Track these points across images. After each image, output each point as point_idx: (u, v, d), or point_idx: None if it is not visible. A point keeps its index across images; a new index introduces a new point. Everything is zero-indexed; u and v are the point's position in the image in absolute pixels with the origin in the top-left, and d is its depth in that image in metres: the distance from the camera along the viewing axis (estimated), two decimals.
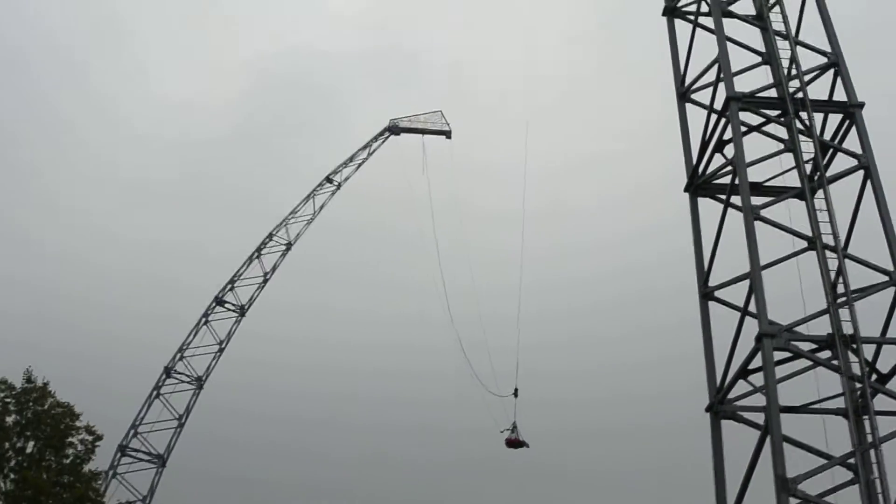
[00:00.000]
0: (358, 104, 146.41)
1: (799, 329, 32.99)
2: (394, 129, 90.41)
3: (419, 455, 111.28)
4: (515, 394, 71.43)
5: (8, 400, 48.90)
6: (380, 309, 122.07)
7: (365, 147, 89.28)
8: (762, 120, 36.83)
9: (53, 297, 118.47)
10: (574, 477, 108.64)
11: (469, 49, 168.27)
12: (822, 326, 33.65)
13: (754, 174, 35.77)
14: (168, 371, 77.20)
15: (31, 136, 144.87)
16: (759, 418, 33.86)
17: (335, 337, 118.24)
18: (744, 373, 34.07)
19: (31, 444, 48.29)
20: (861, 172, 35.37)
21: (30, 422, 48.44)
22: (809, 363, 33.36)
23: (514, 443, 70.11)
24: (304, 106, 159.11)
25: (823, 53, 37.28)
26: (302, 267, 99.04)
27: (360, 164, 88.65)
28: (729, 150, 36.68)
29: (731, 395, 35.03)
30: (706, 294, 36.95)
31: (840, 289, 33.31)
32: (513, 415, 70.97)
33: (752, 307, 33.84)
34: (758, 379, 33.84)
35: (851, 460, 31.94)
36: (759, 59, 39.71)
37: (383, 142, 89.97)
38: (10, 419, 48.45)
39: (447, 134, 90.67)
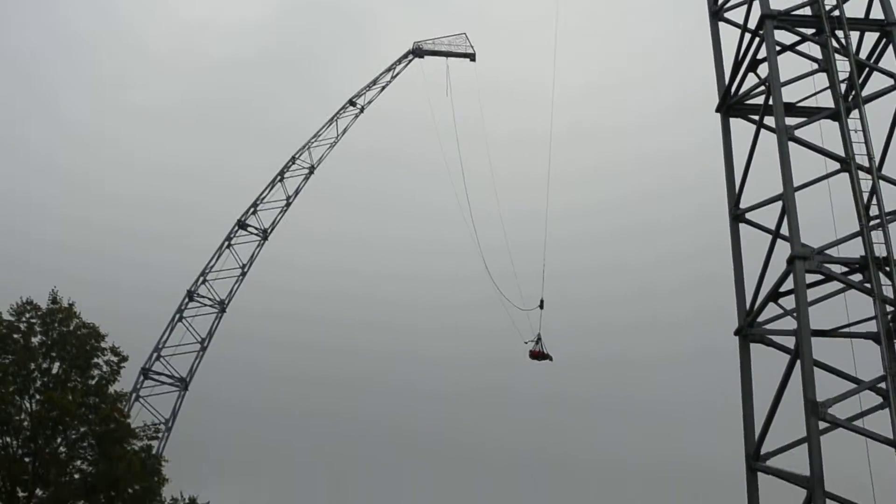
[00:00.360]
0: (385, 29, 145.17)
1: (831, 252, 32.44)
2: (417, 52, 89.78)
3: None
4: (541, 305, 70.68)
5: (34, 321, 48.77)
6: (405, 236, 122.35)
7: (388, 70, 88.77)
8: (796, 39, 36.07)
9: (77, 223, 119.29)
10: (598, 405, 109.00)
11: None
12: (854, 250, 33.19)
13: (787, 94, 35.09)
14: (191, 294, 77.47)
15: (54, 61, 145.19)
16: (788, 342, 33.67)
17: (359, 265, 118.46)
18: (774, 296, 33.68)
19: (56, 364, 48.15)
20: None
21: (55, 342, 48.28)
22: (841, 286, 33.00)
23: (538, 355, 69.72)
24: (329, 30, 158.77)
25: None
26: (325, 193, 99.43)
27: (383, 87, 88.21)
28: (762, 70, 36.02)
29: (760, 319, 34.66)
30: (737, 216, 36.51)
31: (873, 211, 32.68)
32: (538, 327, 70.51)
33: (783, 230, 33.45)
34: (788, 302, 33.47)
35: (882, 384, 31.63)
36: None
37: (407, 64, 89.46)
38: (35, 340, 48.33)
39: (471, 57, 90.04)
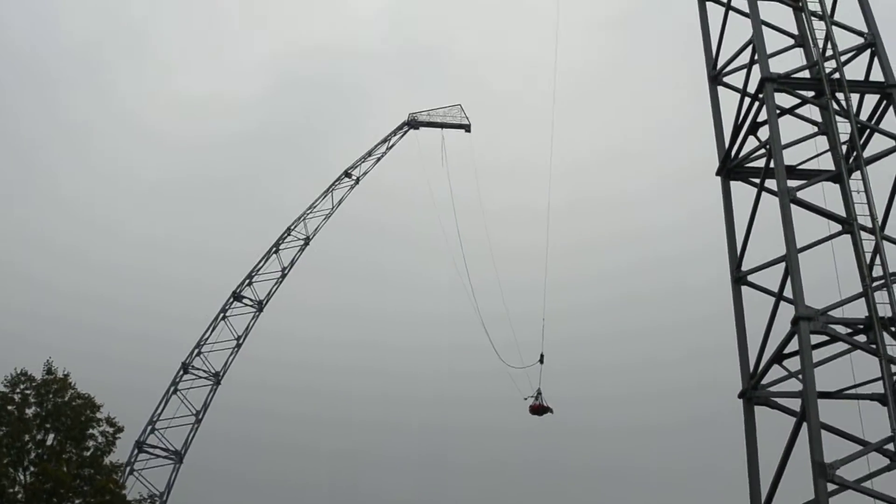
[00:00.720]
0: (382, 103, 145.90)
1: (834, 313, 32.28)
2: (413, 123, 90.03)
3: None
4: (541, 360, 70.18)
5: (28, 391, 48.43)
6: (402, 308, 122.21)
7: (384, 141, 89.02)
8: (796, 102, 36.14)
9: (73, 297, 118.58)
10: (605, 475, 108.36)
11: (489, 47, 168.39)
12: (857, 311, 33.06)
13: (788, 157, 35.12)
14: (185, 367, 77.26)
15: (50, 141, 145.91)
16: (793, 404, 33.41)
17: (356, 336, 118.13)
18: (778, 358, 33.49)
19: (51, 436, 47.85)
20: None
21: (50, 413, 47.99)
22: (845, 347, 32.88)
23: (539, 409, 68.99)
24: (326, 105, 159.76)
25: (860, 34, 36.59)
26: (322, 265, 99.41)
27: (378, 159, 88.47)
28: (763, 133, 36.15)
29: (764, 382, 34.45)
30: (739, 279, 36.38)
31: (877, 271, 32.60)
32: (538, 383, 70.03)
33: (786, 292, 33.29)
34: (792, 364, 33.29)
35: (889, 446, 31.39)
36: (792, 41, 39.36)
37: (402, 136, 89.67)
38: (30, 411, 48.01)
39: (467, 128, 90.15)
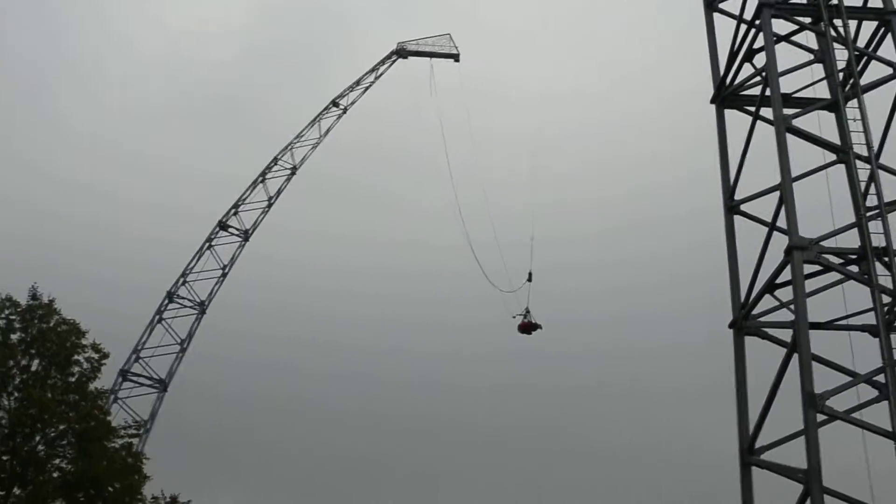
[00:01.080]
0: (371, 32, 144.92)
1: (827, 243, 31.92)
2: (401, 52, 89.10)
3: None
4: (529, 278, 70.06)
5: (13, 317, 47.82)
6: (393, 232, 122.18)
7: (372, 70, 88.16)
8: (792, 29, 35.70)
9: (59, 219, 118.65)
10: (590, 395, 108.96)
11: None
12: (850, 241, 32.77)
13: (783, 85, 34.49)
14: (170, 295, 77.03)
15: (51, 68, 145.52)
16: (783, 335, 33.17)
17: (347, 261, 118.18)
18: (770, 288, 33.16)
19: (35, 361, 47.19)
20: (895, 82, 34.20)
21: (35, 339, 47.27)
22: (838, 277, 32.57)
23: (527, 326, 69.04)
24: (317, 31, 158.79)
25: None
26: (313, 192, 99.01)
27: (367, 88, 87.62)
28: (759, 60, 35.62)
29: (755, 312, 34.17)
30: (732, 207, 35.95)
31: (871, 201, 32.22)
32: (526, 302, 69.86)
33: (779, 222, 32.98)
34: (784, 294, 32.99)
35: (878, 377, 31.18)
36: None
37: (391, 65, 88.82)
38: (14, 336, 47.35)
39: (456, 57, 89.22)
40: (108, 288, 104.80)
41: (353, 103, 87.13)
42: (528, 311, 69.41)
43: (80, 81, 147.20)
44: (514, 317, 69.49)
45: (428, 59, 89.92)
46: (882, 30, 34.92)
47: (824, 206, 33.98)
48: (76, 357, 47.57)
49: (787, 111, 33.44)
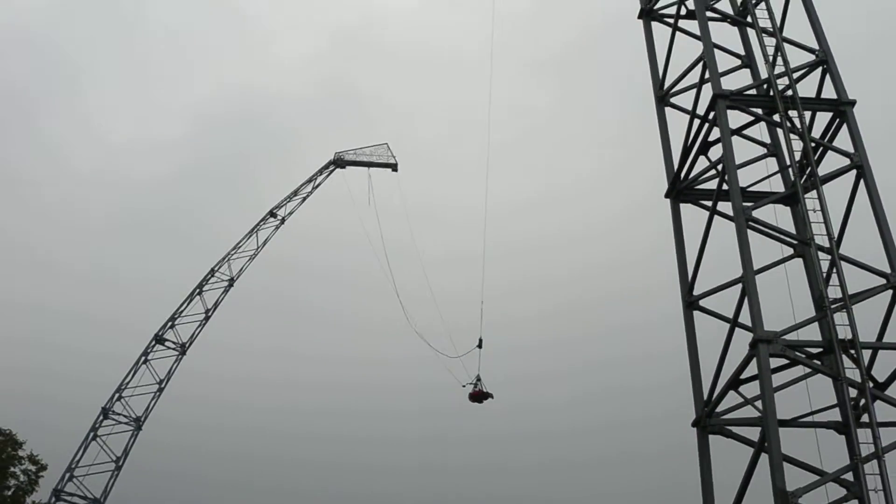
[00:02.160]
0: (307, 147, 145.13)
1: (789, 337, 31.12)
2: (339, 162, 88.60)
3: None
4: (479, 345, 67.71)
5: None
6: (338, 348, 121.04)
7: (310, 180, 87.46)
8: (745, 122, 35.34)
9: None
10: None
11: (419, 96, 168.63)
12: (810, 335, 32.09)
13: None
14: (105, 412, 74.93)
15: None
16: (748, 432, 32.23)
17: (285, 376, 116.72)
18: (734, 384, 32.20)
19: None
20: (853, 173, 33.80)
21: None
22: (803, 372, 31.76)
23: (479, 395, 66.62)
24: (255, 146, 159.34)
25: (811, 51, 35.83)
26: (254, 306, 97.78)
27: (304, 198, 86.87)
28: (714, 153, 35.23)
29: (718, 410, 33.19)
30: (691, 303, 35.18)
31: (834, 293, 31.56)
32: (476, 369, 67.61)
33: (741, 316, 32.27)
34: (748, 390, 32.11)
35: (847, 475, 30.29)
36: (738, 62, 38.69)
37: (328, 175, 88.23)
38: None
39: (394, 167, 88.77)
40: (45, 403, 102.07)
41: (290, 214, 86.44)
42: (478, 380, 67.13)
43: (12, 192, 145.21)
44: (464, 385, 67.20)
45: (366, 168, 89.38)
46: (837, 121, 34.59)
47: (780, 302, 33.36)
48: (12, 469, 45.68)
49: (745, 204, 32.81)
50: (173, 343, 79.10)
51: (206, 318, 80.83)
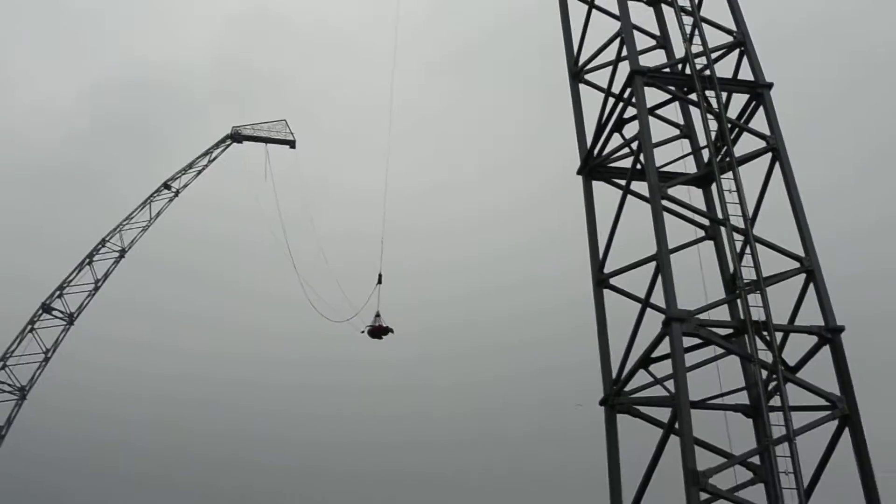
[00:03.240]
0: (211, 124, 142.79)
1: (702, 317, 30.96)
2: (236, 137, 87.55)
3: None
4: (379, 280, 66.28)
5: None
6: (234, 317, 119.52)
7: (205, 154, 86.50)
8: (660, 101, 35.15)
9: None
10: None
11: (326, 79, 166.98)
12: (722, 315, 32.21)
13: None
14: None
15: None
16: (655, 413, 32.05)
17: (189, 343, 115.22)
18: (644, 362, 31.92)
19: None
20: (768, 155, 33.73)
21: None
22: (715, 353, 31.71)
23: (378, 330, 65.27)
24: (159, 115, 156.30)
25: (729, 32, 35.61)
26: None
27: (199, 171, 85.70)
28: (629, 130, 34.95)
29: (626, 389, 32.95)
30: (601, 281, 34.87)
31: (747, 274, 31.41)
32: (376, 304, 66.42)
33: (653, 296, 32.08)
34: (658, 370, 31.88)
35: (754, 458, 30.53)
36: (654, 42, 38.52)
37: (224, 149, 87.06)
38: None
39: (291, 144, 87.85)
40: None
41: (185, 186, 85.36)
42: (378, 315, 65.79)
43: None
44: (362, 332, 65.85)
45: (263, 144, 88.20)
46: (753, 103, 34.49)
47: (688, 284, 33.14)
48: None
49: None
50: (61, 313, 77.50)
51: (96, 289, 79.53)
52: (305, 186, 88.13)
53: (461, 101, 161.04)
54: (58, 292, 78.06)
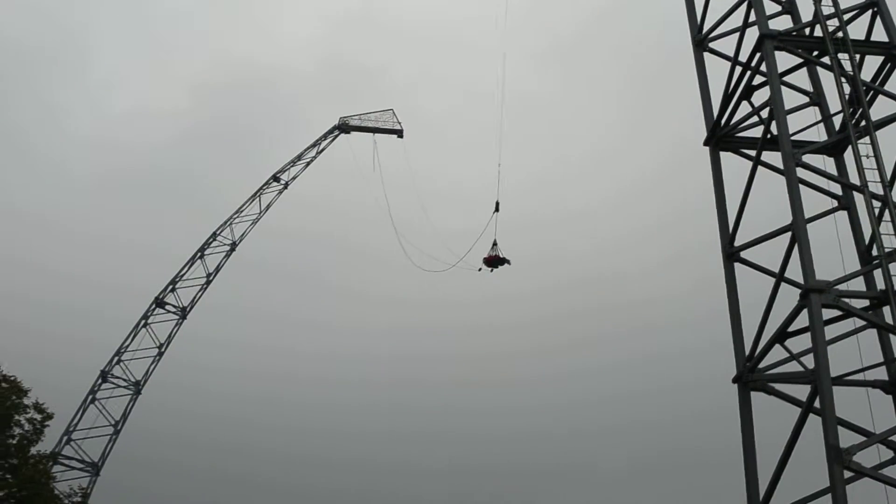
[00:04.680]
0: (312, 117, 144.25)
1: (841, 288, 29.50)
2: (343, 128, 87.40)
3: None
4: (497, 208, 65.63)
5: None
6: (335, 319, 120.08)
7: (314, 145, 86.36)
8: (789, 66, 33.81)
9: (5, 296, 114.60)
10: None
11: (426, 69, 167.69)
12: (856, 287, 30.58)
13: (774, 129, 32.56)
14: (104, 375, 73.75)
15: None
16: (791, 390, 30.74)
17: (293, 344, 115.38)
18: (781, 337, 30.55)
19: None
20: None
21: None
22: (855, 325, 30.28)
23: (494, 260, 65.02)
24: (257, 115, 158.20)
25: None
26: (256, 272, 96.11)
27: (308, 163, 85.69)
28: (757, 98, 33.66)
29: (761, 366, 31.66)
30: (731, 254, 33.61)
31: (889, 242, 29.90)
32: (493, 235, 66.11)
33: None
34: (793, 345, 30.56)
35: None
36: (779, 7, 37.20)
37: (332, 140, 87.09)
38: None
39: (399, 133, 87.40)
40: (46, 366, 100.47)
41: (294, 178, 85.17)
42: (495, 244, 65.21)
43: (13, 152, 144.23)
44: (479, 269, 65.81)
45: (371, 134, 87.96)
46: (888, 65, 33.00)
47: (818, 256, 31.79)
48: (17, 418, 43.89)
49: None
50: (174, 307, 78.08)
51: (208, 283, 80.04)
52: (414, 179, 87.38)
53: (566, 90, 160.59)
54: (170, 286, 78.38)
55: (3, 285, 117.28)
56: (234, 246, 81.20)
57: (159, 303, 77.63)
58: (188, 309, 78.45)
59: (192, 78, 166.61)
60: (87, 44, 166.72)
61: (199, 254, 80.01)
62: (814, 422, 27.87)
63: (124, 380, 74.42)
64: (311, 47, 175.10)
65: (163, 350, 76.45)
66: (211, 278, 79.90)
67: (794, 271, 30.04)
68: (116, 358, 74.59)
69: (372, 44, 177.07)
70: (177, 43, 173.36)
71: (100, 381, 73.40)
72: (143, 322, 76.56)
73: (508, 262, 65.06)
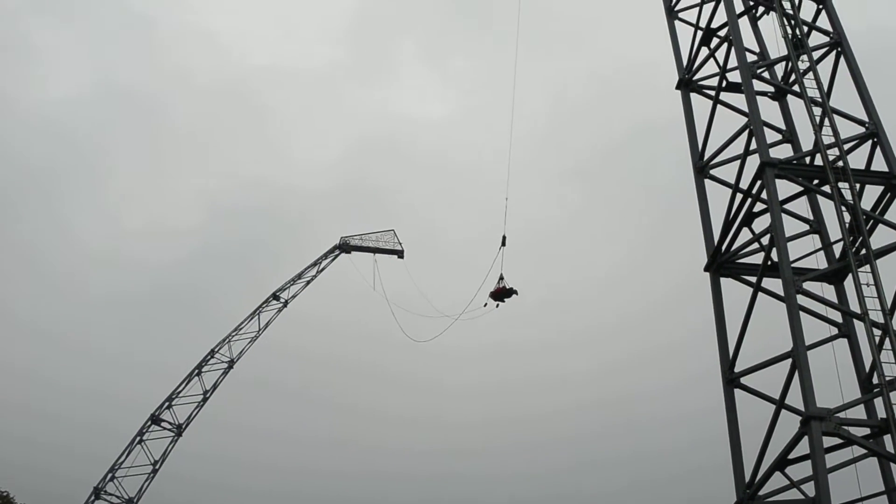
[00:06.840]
0: (321, 237, 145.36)
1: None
2: (344, 247, 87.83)
3: None
4: (503, 242, 63.52)
5: None
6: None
7: (314, 264, 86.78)
8: (790, 194, 34.15)
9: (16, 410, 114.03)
10: None
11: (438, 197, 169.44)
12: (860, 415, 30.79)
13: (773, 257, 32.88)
14: (97, 492, 73.16)
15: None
16: None
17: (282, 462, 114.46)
18: (781, 464, 30.42)
19: None
20: None
21: None
22: (856, 453, 30.12)
23: (501, 292, 63.36)
24: (268, 234, 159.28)
25: (860, 122, 34.70)
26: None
27: (308, 282, 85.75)
28: (758, 225, 33.89)
29: (761, 493, 31.43)
30: (731, 380, 33.58)
31: (890, 371, 29.86)
32: (500, 268, 64.20)
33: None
34: (795, 471, 30.40)
35: None
36: (780, 136, 37.74)
37: (333, 259, 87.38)
38: None
39: (399, 254, 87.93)
40: (46, 477, 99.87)
41: (294, 297, 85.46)
42: (501, 277, 63.81)
43: (23, 265, 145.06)
44: (484, 304, 64.75)
45: (371, 254, 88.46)
46: (888, 195, 33.35)
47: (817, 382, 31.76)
48: None
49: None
50: (169, 424, 77.68)
51: (205, 400, 79.62)
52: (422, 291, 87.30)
53: (580, 216, 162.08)
54: (167, 403, 78.17)
55: (7, 397, 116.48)
56: (231, 363, 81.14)
57: (155, 420, 77.34)
58: (184, 426, 78.06)
59: (206, 198, 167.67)
60: (102, 163, 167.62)
61: (196, 371, 79.96)
62: None
63: (118, 497, 73.71)
64: (325, 169, 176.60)
65: (157, 467, 75.93)
66: (208, 395, 79.77)
67: (795, 398, 30.02)
68: (110, 475, 73.96)
69: (387, 166, 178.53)
70: (191, 162, 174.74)
71: (93, 498, 72.77)
72: (138, 439, 76.04)
73: (516, 292, 63.94)
